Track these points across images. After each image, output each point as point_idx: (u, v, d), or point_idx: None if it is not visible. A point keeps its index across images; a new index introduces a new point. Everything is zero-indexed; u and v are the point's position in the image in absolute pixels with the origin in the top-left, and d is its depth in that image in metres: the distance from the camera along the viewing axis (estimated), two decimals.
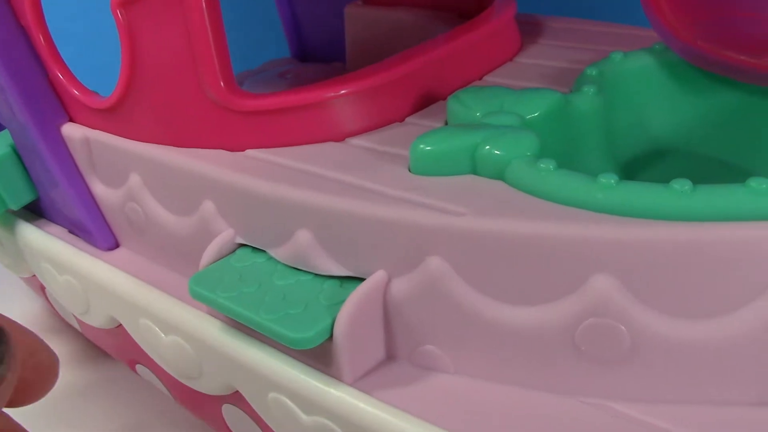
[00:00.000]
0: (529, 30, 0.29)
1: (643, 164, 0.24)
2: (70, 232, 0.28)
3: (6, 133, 0.29)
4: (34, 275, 0.30)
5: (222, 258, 0.22)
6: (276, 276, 0.21)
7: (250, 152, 0.23)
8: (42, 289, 0.31)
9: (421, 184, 0.20)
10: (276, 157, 0.22)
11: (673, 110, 0.24)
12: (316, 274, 0.20)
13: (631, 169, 0.24)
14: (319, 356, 0.19)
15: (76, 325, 0.30)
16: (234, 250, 0.22)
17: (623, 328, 0.17)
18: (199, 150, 0.23)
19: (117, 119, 0.25)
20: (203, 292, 0.20)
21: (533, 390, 0.18)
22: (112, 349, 0.29)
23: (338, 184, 0.20)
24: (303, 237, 0.20)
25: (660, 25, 0.24)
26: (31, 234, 0.28)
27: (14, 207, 0.28)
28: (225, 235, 0.22)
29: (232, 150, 0.23)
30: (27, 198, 0.29)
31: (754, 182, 0.17)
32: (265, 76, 0.37)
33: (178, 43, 0.22)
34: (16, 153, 0.28)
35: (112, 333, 0.27)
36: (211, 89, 0.22)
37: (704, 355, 0.17)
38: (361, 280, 0.19)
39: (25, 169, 0.28)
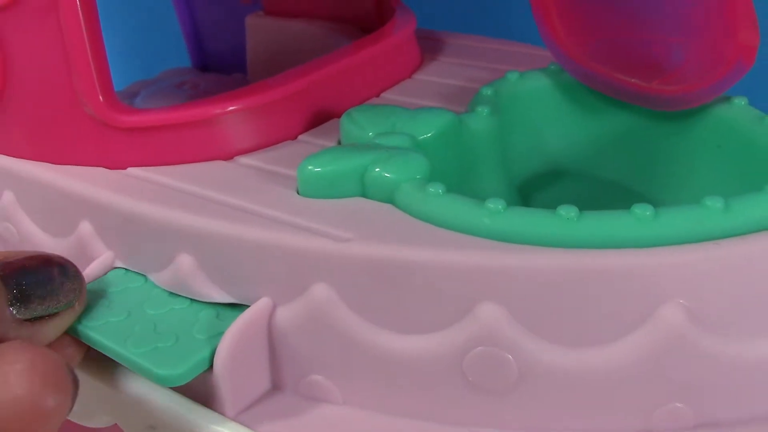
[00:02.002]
0: (429, 46, 0.29)
1: (540, 185, 0.24)
2: None
3: None
4: None
5: (92, 281, 0.21)
6: (148, 304, 0.19)
7: (131, 170, 0.22)
8: None
9: (309, 207, 0.19)
10: (159, 176, 0.21)
11: (568, 132, 0.24)
12: (192, 301, 0.19)
13: (528, 191, 0.24)
14: (199, 388, 0.18)
15: None
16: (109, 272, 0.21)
17: (510, 357, 0.16)
18: (78, 167, 0.22)
19: None
20: None
21: (423, 420, 0.18)
22: None
23: (222, 206, 0.19)
24: (184, 262, 0.19)
25: (553, 45, 0.24)
26: None
27: None
28: (103, 259, 0.21)
29: (112, 168, 0.22)
30: None
31: (638, 209, 0.17)
32: (161, 87, 0.36)
33: (53, 52, 0.21)
34: None
35: None
36: (89, 103, 0.21)
37: (591, 383, 0.17)
38: (245, 306, 0.18)
39: None
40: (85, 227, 0.21)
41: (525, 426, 0.17)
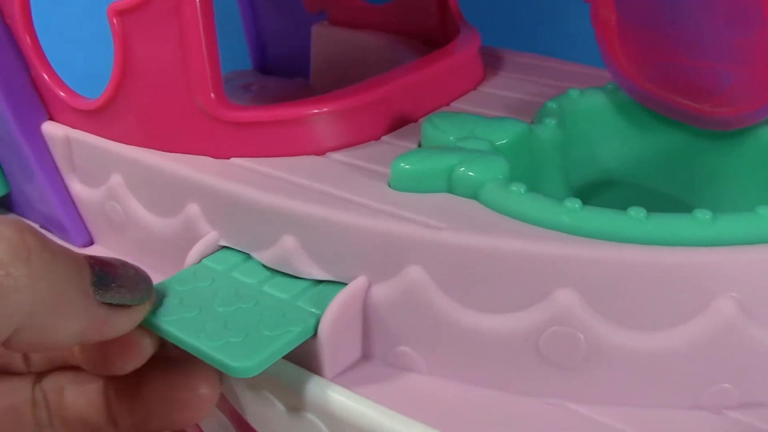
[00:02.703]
0: (492, 62, 0.32)
1: (593, 192, 0.27)
2: (42, 227, 0.29)
3: None
4: None
5: (203, 258, 0.23)
6: (220, 302, 0.21)
7: (235, 160, 0.24)
8: None
9: (402, 199, 0.21)
10: (260, 166, 0.24)
11: (622, 145, 0.27)
12: (292, 278, 0.22)
13: (582, 196, 0.27)
14: (301, 354, 0.21)
15: None
16: (216, 251, 0.23)
17: (581, 336, 0.19)
18: (185, 155, 0.24)
19: (102, 121, 0.26)
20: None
21: (499, 390, 0.20)
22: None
23: (322, 195, 0.22)
24: (288, 242, 0.22)
25: (613, 67, 0.26)
26: None
27: None
28: (210, 237, 0.23)
29: (216, 157, 0.24)
30: (0, 192, 0.29)
31: (699, 213, 0.19)
32: (230, 87, 0.38)
33: (172, 53, 0.23)
34: None
35: None
36: (201, 99, 0.24)
37: (650, 363, 0.19)
38: (340, 284, 0.21)
39: None
40: (193, 208, 0.24)
41: (590, 398, 0.19)
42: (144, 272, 0.20)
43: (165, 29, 0.23)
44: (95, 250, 0.27)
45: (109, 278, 0.19)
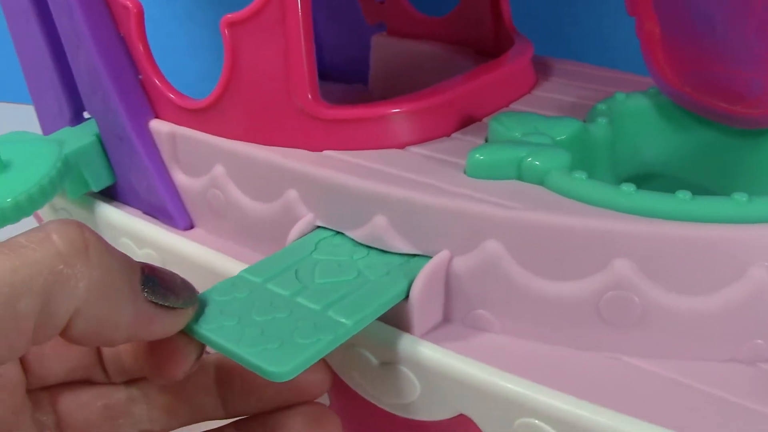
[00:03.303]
0: (543, 69, 0.35)
1: (637, 184, 0.30)
2: (146, 213, 0.32)
3: (92, 122, 0.33)
4: None
5: (302, 236, 0.27)
6: (257, 311, 0.23)
7: (327, 152, 0.28)
8: None
9: (478, 185, 0.25)
10: (351, 157, 0.27)
11: (663, 142, 0.30)
12: (381, 252, 0.25)
13: None
14: (393, 316, 0.24)
15: None
16: (313, 230, 0.27)
17: (636, 299, 0.22)
18: (283, 148, 0.28)
19: (207, 118, 0.29)
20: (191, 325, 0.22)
21: (564, 347, 0.23)
22: None
23: (409, 181, 0.25)
24: (379, 221, 0.25)
25: (656, 73, 0.29)
26: (113, 214, 0.32)
27: (95, 189, 0.33)
28: (307, 218, 0.27)
29: (311, 150, 0.28)
30: (107, 182, 0.33)
31: (737, 195, 0.22)
32: None
33: (275, 59, 0.27)
34: (100, 141, 0.32)
35: None
36: (300, 99, 0.27)
37: (694, 322, 0.22)
38: (427, 257, 0.24)
39: (106, 156, 0.33)
40: (291, 194, 0.27)
41: (642, 352, 0.23)
42: (190, 283, 0.22)
43: (270, 39, 0.27)
44: (196, 233, 0.31)
45: (157, 281, 0.21)
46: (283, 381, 0.21)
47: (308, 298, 0.23)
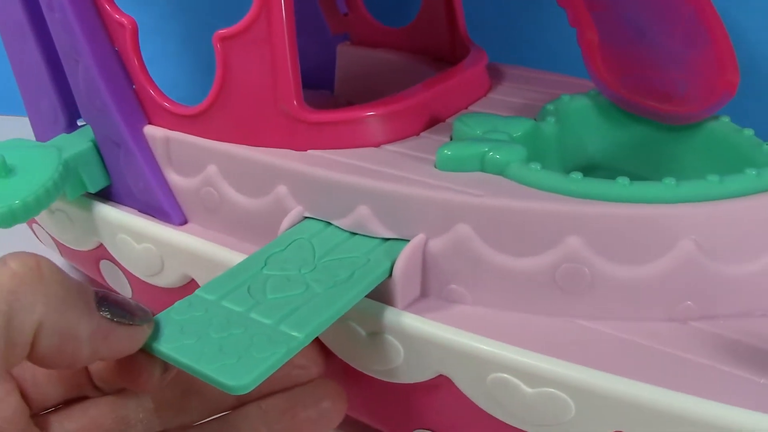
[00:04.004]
0: (496, 74, 0.39)
1: (582, 174, 0.34)
2: (141, 211, 0.35)
3: (86, 130, 0.36)
4: (92, 249, 0.37)
5: (292, 227, 0.30)
6: (215, 328, 0.24)
7: (311, 152, 0.31)
8: (95, 261, 0.38)
9: (447, 176, 0.28)
10: (333, 155, 0.31)
11: (603, 138, 0.34)
12: (363, 237, 0.29)
13: None
14: (377, 292, 0.28)
15: (127, 291, 0.37)
16: (302, 221, 0.30)
17: (587, 270, 0.26)
18: (271, 149, 0.31)
19: (199, 124, 0.32)
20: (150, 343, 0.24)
21: (527, 313, 0.27)
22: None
23: (387, 174, 0.29)
24: (363, 211, 0.29)
25: (596, 77, 0.34)
26: (110, 212, 0.35)
27: (92, 191, 0.35)
28: (296, 210, 0.30)
29: (297, 149, 0.31)
30: (102, 184, 0.36)
31: (667, 180, 0.27)
32: None
33: (263, 69, 0.30)
34: (96, 147, 0.35)
35: (178, 291, 0.34)
36: (286, 104, 0.31)
37: (635, 288, 0.26)
38: (404, 240, 0.28)
39: (102, 160, 0.35)
40: (281, 189, 0.30)
41: (593, 315, 0.27)
42: (144, 306, 0.24)
43: (259, 52, 0.30)
44: (190, 228, 0.34)
45: (110, 301, 0.23)
46: (242, 393, 0.22)
47: (261, 313, 0.25)
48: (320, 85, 0.48)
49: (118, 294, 0.23)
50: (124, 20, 0.33)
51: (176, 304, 0.25)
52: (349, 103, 0.45)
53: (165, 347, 0.23)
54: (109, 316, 0.22)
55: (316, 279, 0.27)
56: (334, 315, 0.25)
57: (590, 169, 0.35)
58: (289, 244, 0.29)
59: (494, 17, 0.50)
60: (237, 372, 0.22)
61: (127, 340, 0.23)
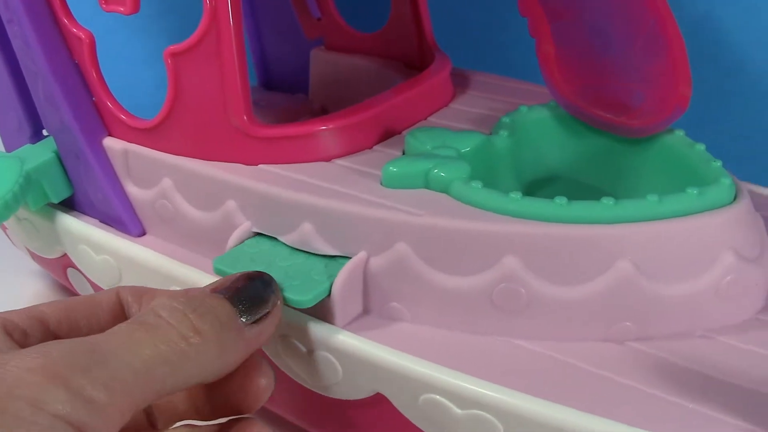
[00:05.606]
0: (461, 81, 0.39)
1: (541, 185, 0.34)
2: (102, 221, 0.36)
3: (50, 140, 0.36)
4: (58, 257, 0.38)
5: (241, 242, 0.30)
6: (278, 259, 0.29)
7: (262, 166, 0.31)
8: (63, 268, 0.39)
9: (391, 194, 0.29)
10: (282, 170, 0.31)
11: (561, 149, 0.34)
12: (308, 254, 0.29)
13: (531, 188, 0.34)
14: (318, 310, 0.28)
15: None
16: (251, 237, 0.30)
17: (523, 290, 0.26)
18: (223, 163, 0.32)
19: (154, 137, 0.33)
20: (227, 270, 0.28)
21: (465, 332, 0.27)
22: None
23: (332, 191, 0.29)
24: (307, 227, 0.29)
25: (553, 89, 0.33)
26: (71, 223, 0.36)
27: (55, 201, 0.36)
28: (244, 226, 0.30)
29: (247, 164, 0.31)
30: (65, 194, 0.36)
31: (605, 200, 0.26)
32: None
33: (212, 84, 0.30)
34: (58, 157, 0.36)
35: None
36: (236, 119, 0.31)
37: (571, 308, 0.26)
38: (346, 258, 0.28)
39: (64, 170, 0.36)
40: (230, 204, 0.31)
41: (528, 335, 0.27)
42: (266, 276, 0.26)
43: (208, 68, 0.30)
44: (148, 240, 0.34)
45: (247, 302, 0.24)
46: (305, 308, 0.27)
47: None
48: (297, 88, 0.48)
49: (245, 283, 0.25)
50: (82, 34, 0.33)
51: (251, 238, 0.30)
52: (323, 107, 0.46)
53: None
54: (252, 320, 0.24)
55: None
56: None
57: (549, 181, 0.35)
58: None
59: (468, 22, 0.49)
60: (302, 290, 0.27)
61: (271, 327, 0.25)
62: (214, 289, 0.25)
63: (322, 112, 0.45)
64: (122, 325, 0.22)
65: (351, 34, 0.44)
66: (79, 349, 0.20)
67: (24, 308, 0.24)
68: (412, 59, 0.41)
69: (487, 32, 0.50)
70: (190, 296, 0.24)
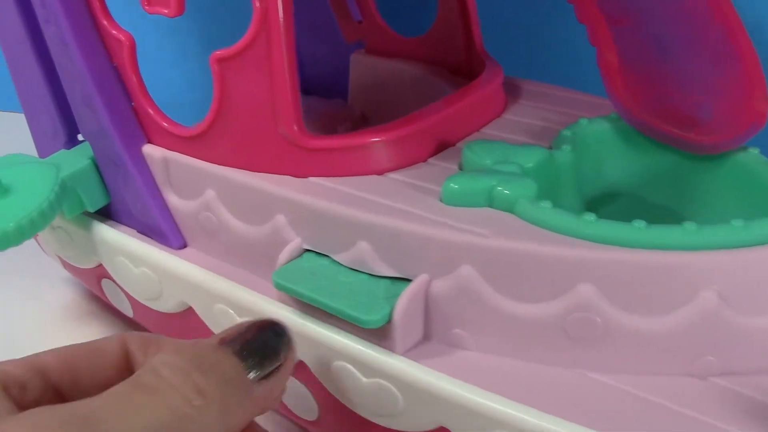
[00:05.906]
0: (513, 91, 0.37)
1: (601, 202, 0.32)
2: (140, 232, 0.34)
3: (85, 146, 0.35)
4: (93, 267, 0.36)
5: (293, 260, 0.29)
6: (340, 275, 0.27)
7: (312, 179, 0.30)
8: (97, 279, 0.37)
9: (453, 212, 0.27)
10: (334, 184, 0.29)
11: (624, 164, 0.32)
12: (371, 275, 0.27)
13: (592, 205, 0.32)
14: (377, 334, 0.26)
15: (129, 311, 0.36)
16: (301, 254, 0.29)
17: (599, 320, 0.25)
18: (271, 175, 0.30)
19: (198, 145, 0.31)
20: (288, 285, 0.27)
21: (533, 363, 0.26)
22: (173, 330, 0.35)
23: (389, 208, 0.27)
24: (363, 246, 0.27)
25: (615, 100, 0.32)
26: (108, 233, 0.34)
27: (91, 209, 0.34)
28: (295, 242, 0.29)
29: (297, 176, 0.30)
30: (102, 202, 0.35)
31: (687, 225, 0.25)
32: None
33: (262, 92, 0.29)
34: (95, 164, 0.34)
35: (178, 316, 0.33)
36: (285, 129, 0.29)
37: (651, 340, 0.25)
38: (407, 280, 0.27)
39: (101, 178, 0.34)
40: (280, 219, 0.29)
41: (604, 368, 0.25)
42: (278, 324, 0.24)
43: (257, 74, 0.29)
44: (188, 252, 0.33)
45: (256, 356, 0.23)
46: (375, 327, 0.25)
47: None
48: (335, 92, 0.46)
49: (256, 333, 0.24)
50: (122, 36, 0.31)
51: (305, 253, 0.29)
52: (363, 113, 0.44)
53: (304, 288, 0.27)
54: (263, 375, 0.23)
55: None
56: None
57: (610, 197, 0.33)
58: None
59: (515, 27, 0.48)
60: (369, 309, 0.26)
61: (283, 380, 0.24)
62: (222, 340, 0.23)
63: (362, 118, 0.43)
64: (120, 387, 0.21)
65: (393, 37, 0.42)
66: (72, 418, 0.19)
67: (25, 358, 0.23)
68: (458, 65, 0.40)
69: (534, 37, 0.48)
70: (195, 352, 0.22)
